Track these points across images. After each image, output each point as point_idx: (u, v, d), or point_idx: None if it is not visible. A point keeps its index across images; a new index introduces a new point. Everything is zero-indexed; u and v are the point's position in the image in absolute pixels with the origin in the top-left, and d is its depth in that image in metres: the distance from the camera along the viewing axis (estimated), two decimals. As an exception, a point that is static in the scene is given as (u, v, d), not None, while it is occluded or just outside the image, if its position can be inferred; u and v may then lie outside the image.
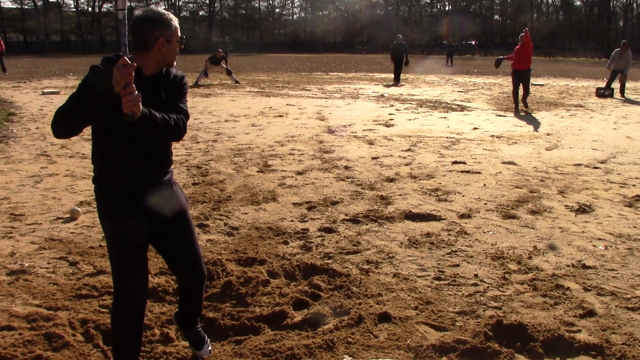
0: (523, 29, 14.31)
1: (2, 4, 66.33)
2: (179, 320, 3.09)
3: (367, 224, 5.22)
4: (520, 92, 14.07)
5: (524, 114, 13.50)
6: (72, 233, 4.94)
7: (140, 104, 2.31)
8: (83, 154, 8.20)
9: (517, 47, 13.96)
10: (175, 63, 2.67)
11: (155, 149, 2.64)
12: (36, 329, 3.23)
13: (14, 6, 68.20)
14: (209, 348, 3.11)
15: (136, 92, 2.29)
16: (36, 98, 15.58)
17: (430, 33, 75.12)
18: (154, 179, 2.67)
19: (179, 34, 2.61)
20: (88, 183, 6.45)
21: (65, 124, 2.39)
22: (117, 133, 2.49)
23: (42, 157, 8.10)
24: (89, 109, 2.35)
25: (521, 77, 13.90)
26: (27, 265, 4.19)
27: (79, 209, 5.46)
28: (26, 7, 68.07)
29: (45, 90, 17.19)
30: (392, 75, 23.27)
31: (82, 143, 8.95)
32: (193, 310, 3.02)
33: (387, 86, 21.15)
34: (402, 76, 22.70)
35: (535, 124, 11.64)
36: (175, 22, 2.59)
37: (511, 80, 14.33)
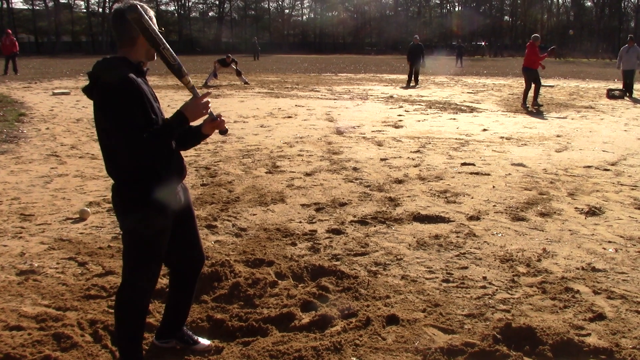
0: (532, 35, 15.51)
1: (13, 4, 66.62)
2: (168, 328, 3.08)
3: (375, 226, 5.21)
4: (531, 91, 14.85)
5: (534, 110, 13.92)
6: (81, 233, 4.97)
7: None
8: (93, 154, 8.24)
9: (529, 44, 15.01)
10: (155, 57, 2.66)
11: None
12: (45, 329, 3.24)
13: (26, 7, 68.77)
14: (206, 340, 3.13)
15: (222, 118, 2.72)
16: (47, 99, 15.68)
17: (439, 34, 74.92)
18: (186, 170, 2.83)
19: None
20: (98, 183, 6.48)
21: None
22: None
23: (52, 157, 8.15)
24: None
25: (531, 75, 14.79)
26: (36, 265, 4.22)
27: (88, 210, 5.48)
28: (37, 7, 68.55)
29: (56, 91, 17.30)
30: (402, 77, 23.15)
31: (92, 144, 9.01)
32: (189, 300, 3.07)
33: (397, 87, 21.09)
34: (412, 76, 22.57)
35: (545, 126, 11.58)
36: (152, 13, 2.58)
37: (525, 78, 15.17)
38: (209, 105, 2.60)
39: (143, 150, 2.42)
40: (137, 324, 2.77)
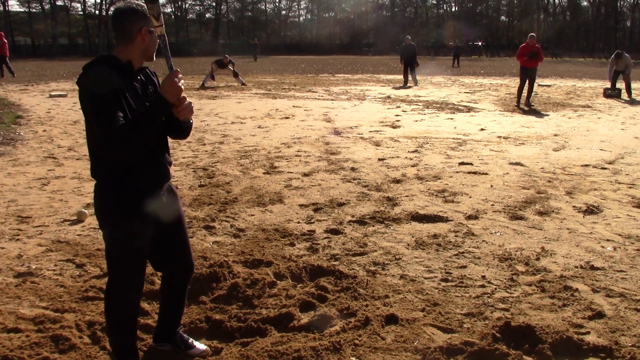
0: (529, 34, 15.41)
1: (10, 7, 66.50)
2: (162, 331, 3.06)
3: (373, 226, 5.21)
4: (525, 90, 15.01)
5: (527, 108, 14.19)
6: (79, 235, 4.95)
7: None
8: (90, 156, 8.21)
9: (524, 45, 14.97)
10: (154, 57, 2.66)
11: (165, 144, 2.73)
12: (43, 331, 3.23)
13: (22, 9, 68.63)
14: (202, 345, 3.11)
15: (187, 99, 2.52)
16: (44, 101, 15.65)
17: (436, 34, 74.96)
18: (168, 174, 2.74)
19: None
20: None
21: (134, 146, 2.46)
22: None
23: (49, 159, 8.13)
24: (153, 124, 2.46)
25: (527, 73, 14.84)
26: (34, 267, 4.20)
27: (86, 211, 5.47)
28: (34, 10, 68.44)
29: (53, 93, 17.26)
30: (398, 77, 23.18)
31: (89, 145, 8.98)
32: (180, 307, 3.04)
33: (394, 88, 21.10)
34: (409, 77, 22.52)
35: (543, 125, 11.59)
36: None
37: (520, 77, 15.13)
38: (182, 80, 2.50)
39: (117, 139, 2.34)
40: (128, 322, 2.75)
